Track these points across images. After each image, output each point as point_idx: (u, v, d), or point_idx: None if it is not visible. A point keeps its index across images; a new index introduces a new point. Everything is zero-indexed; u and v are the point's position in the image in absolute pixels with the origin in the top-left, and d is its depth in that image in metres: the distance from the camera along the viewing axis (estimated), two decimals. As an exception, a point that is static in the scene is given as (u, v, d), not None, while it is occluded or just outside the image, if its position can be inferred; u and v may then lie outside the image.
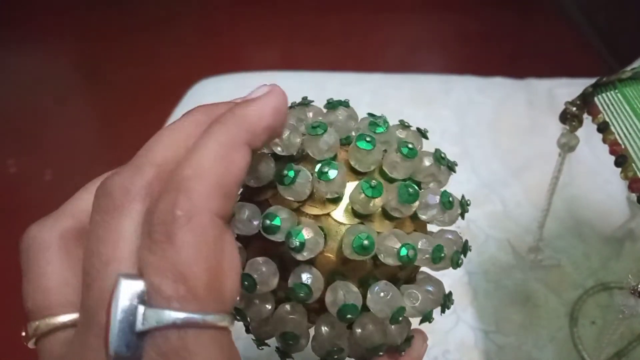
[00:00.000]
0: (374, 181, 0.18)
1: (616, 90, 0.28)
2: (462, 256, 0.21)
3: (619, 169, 0.25)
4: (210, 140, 0.16)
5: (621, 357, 0.34)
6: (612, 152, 0.26)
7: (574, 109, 0.31)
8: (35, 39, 1.54)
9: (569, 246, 0.44)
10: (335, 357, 0.20)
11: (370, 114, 0.22)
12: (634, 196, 0.25)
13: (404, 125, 0.22)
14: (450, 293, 0.22)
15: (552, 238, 0.44)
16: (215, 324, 0.15)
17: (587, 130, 0.31)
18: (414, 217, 0.20)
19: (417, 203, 0.19)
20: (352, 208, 0.19)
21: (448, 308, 0.22)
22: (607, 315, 0.39)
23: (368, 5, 1.63)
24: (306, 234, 0.18)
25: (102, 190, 0.16)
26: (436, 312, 0.21)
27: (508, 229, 0.46)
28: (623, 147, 0.26)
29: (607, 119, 0.27)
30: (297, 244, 0.17)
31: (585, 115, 0.31)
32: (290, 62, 1.41)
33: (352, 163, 0.20)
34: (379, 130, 0.20)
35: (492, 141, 0.55)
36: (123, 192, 0.16)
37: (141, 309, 0.14)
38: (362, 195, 0.18)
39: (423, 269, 0.22)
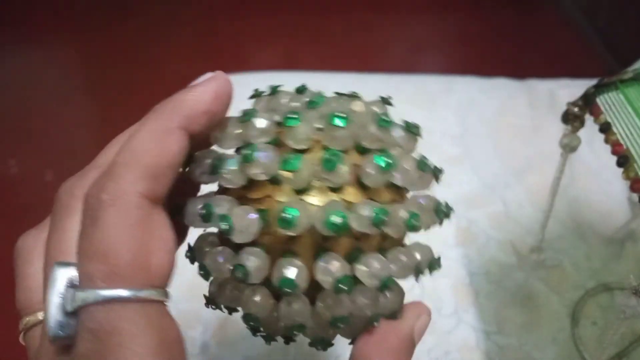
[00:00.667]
0: (291, 155, 0.18)
1: (618, 91, 0.28)
2: (445, 217, 0.20)
3: (621, 170, 0.25)
4: (143, 127, 0.17)
5: (622, 358, 0.34)
6: (614, 153, 0.26)
7: (576, 109, 0.31)
8: (35, 39, 1.54)
9: (570, 247, 0.44)
10: (295, 332, 0.20)
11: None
12: (635, 197, 0.25)
13: (340, 94, 0.22)
14: (438, 258, 0.21)
15: (553, 239, 0.44)
16: (141, 297, 0.15)
17: (588, 131, 0.31)
18: (364, 186, 0.20)
19: (342, 170, 0.19)
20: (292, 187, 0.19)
21: (428, 273, 0.21)
22: (608, 316, 0.39)
23: (369, 5, 1.63)
24: (237, 217, 0.18)
25: (54, 198, 0.18)
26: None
27: (509, 229, 0.46)
28: (625, 147, 0.26)
29: (609, 120, 0.27)
30: (226, 227, 0.18)
31: (587, 116, 0.31)
32: (292, 62, 1.41)
33: (290, 142, 0.20)
34: (311, 105, 0.20)
35: (493, 142, 0.55)
36: (68, 195, 0.18)
37: (71, 291, 0.15)
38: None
39: (411, 237, 0.21)
